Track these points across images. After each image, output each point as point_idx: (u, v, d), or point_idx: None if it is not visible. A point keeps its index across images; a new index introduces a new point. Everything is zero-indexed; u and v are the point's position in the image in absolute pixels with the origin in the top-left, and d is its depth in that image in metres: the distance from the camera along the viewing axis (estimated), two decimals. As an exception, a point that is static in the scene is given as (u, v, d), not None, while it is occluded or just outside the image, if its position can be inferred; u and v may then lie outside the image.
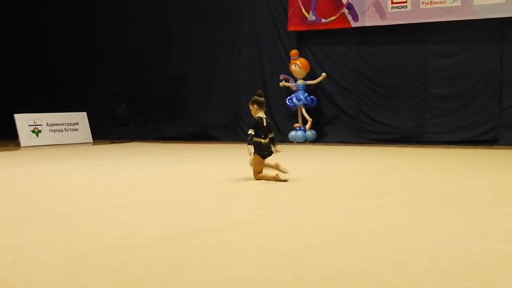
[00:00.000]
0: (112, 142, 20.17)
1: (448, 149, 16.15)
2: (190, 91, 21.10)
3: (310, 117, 19.01)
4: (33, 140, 19.48)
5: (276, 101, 19.84)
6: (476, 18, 16.95)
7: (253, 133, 10.11)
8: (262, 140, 10.20)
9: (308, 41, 19.44)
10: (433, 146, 16.88)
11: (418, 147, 16.94)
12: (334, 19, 18.72)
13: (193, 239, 5.95)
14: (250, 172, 11.36)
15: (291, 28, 19.42)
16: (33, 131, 19.60)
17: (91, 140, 20.73)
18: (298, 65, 19.07)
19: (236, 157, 14.32)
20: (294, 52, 19.24)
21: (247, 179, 10.46)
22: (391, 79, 18.30)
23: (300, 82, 19.18)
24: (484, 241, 5.78)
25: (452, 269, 4.79)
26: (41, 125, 19.82)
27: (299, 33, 19.48)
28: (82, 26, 22.77)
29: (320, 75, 18.95)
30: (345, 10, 18.51)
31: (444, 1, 17.21)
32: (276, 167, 10.17)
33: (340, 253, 5.34)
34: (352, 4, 18.47)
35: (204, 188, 9.53)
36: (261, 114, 10.27)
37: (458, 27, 17.33)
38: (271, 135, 10.36)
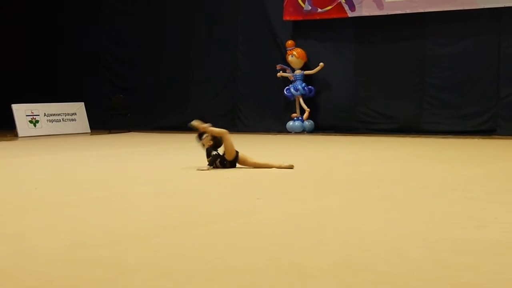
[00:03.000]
0: (110, 132, 20.15)
1: (446, 139, 16.15)
2: (188, 81, 21.08)
3: (308, 107, 18.99)
4: (31, 130, 19.46)
5: (273, 91, 19.81)
6: (474, 8, 16.91)
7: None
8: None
9: (305, 31, 19.39)
10: (431, 136, 16.88)
11: (416, 137, 16.94)
12: (330, 8, 18.63)
13: (192, 229, 5.97)
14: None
15: (286, 17, 19.35)
16: (30, 121, 19.59)
17: (89, 130, 20.72)
18: (295, 55, 19.05)
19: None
20: (290, 42, 19.20)
21: (244, 169, 10.46)
22: (389, 69, 18.27)
23: (297, 72, 19.16)
24: (482, 230, 5.77)
25: (450, 259, 4.78)
26: (38, 115, 19.80)
27: (296, 23, 19.43)
28: (79, 15, 22.69)
29: (318, 65, 18.91)
30: (342, 0, 18.43)
31: (442, -9, 17.20)
32: (279, 167, 10.26)
33: (338, 243, 5.34)
34: (349, -6, 18.43)
35: (202, 178, 9.51)
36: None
37: (456, 17, 17.30)
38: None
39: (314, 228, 5.98)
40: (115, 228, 6.04)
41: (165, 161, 10.98)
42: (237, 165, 10.48)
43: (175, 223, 6.22)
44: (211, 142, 10.43)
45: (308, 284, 4.25)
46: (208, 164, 10.28)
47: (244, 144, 15.41)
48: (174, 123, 20.38)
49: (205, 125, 10.52)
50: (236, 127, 19.80)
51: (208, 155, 10.35)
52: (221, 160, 10.36)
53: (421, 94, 17.95)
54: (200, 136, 10.44)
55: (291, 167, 10.22)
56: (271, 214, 6.68)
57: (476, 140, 15.93)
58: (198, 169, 10.14)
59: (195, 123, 10.51)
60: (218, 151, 10.42)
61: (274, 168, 10.21)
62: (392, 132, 17.79)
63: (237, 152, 10.44)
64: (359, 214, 6.59)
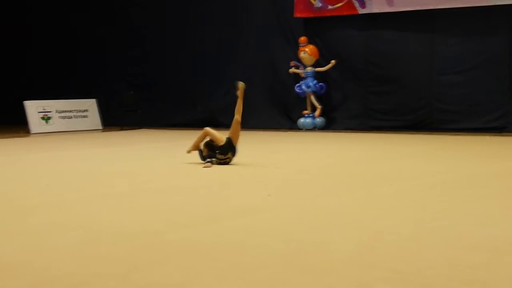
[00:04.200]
0: (121, 129, 20.13)
1: (457, 136, 16.09)
2: (199, 78, 21.03)
3: (319, 104, 18.97)
4: (43, 127, 19.50)
5: (285, 88, 19.78)
6: (485, 4, 16.82)
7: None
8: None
9: (316, 28, 19.35)
10: (441, 133, 16.80)
11: (426, 134, 16.87)
12: (341, 5, 18.60)
13: (202, 226, 5.97)
14: (258, 159, 11.36)
15: (297, 14, 19.31)
16: (42, 118, 19.62)
17: (101, 127, 20.70)
18: (307, 52, 19.01)
19: (244, 145, 14.24)
20: (302, 39, 19.16)
21: (255, 166, 10.48)
22: (399, 66, 18.21)
23: (309, 69, 19.12)
24: (494, 228, 5.75)
25: (463, 257, 4.77)
26: (50, 112, 19.82)
27: (307, 20, 19.40)
28: (92, 13, 22.72)
29: (329, 62, 18.88)
30: (352, -3, 18.43)
31: (452, -13, 17.12)
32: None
33: (348, 241, 5.33)
34: (359, -9, 18.39)
35: (213, 175, 9.53)
36: None
37: (466, 14, 17.22)
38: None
39: (325, 225, 5.96)
40: (128, 224, 6.04)
41: (176, 158, 10.97)
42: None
43: (186, 220, 6.21)
44: (207, 150, 10.57)
45: (319, 282, 4.24)
46: (205, 162, 10.36)
47: (255, 140, 15.56)
48: (185, 120, 20.39)
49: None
50: (248, 124, 19.45)
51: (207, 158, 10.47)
52: (217, 159, 10.45)
53: (432, 91, 17.87)
54: (203, 157, 10.54)
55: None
56: (282, 211, 6.67)
57: (487, 137, 15.84)
58: (204, 167, 10.20)
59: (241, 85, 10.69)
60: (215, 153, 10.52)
61: (280, 165, 10.18)
62: (403, 129, 17.72)
63: (227, 138, 10.53)
64: (370, 211, 6.57)
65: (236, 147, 10.58)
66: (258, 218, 6.30)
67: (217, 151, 10.43)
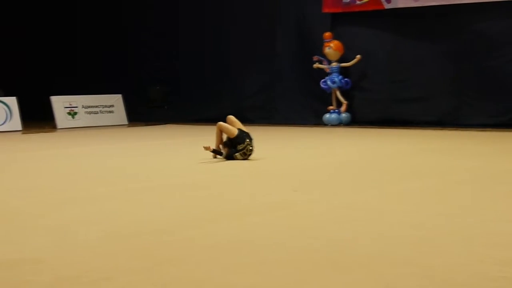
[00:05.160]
0: (147, 124, 20.21)
1: (485, 132, 15.94)
2: (225, 73, 21.04)
3: (345, 100, 18.91)
4: (69, 122, 19.63)
5: (310, 83, 19.73)
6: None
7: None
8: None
9: (342, 23, 19.28)
10: (469, 129, 16.67)
11: (454, 129, 16.75)
12: (368, 1, 18.54)
13: (227, 221, 5.97)
14: (284, 154, 11.31)
15: (326, 10, 19.25)
16: (69, 113, 19.75)
17: (126, 122, 20.81)
18: (332, 48, 18.94)
19: (271, 140, 14.37)
20: (327, 34, 19.09)
21: (280, 161, 10.47)
22: (426, 61, 18.10)
23: (334, 64, 19.06)
24: (522, 224, 5.70)
25: (489, 253, 4.73)
26: (77, 107, 19.95)
27: (333, 15, 19.33)
28: (119, 9, 22.81)
29: (354, 57, 18.82)
30: (379, -8, 18.35)
31: (479, -19, 17.00)
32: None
33: (375, 236, 5.31)
34: (385, -14, 18.30)
35: (238, 170, 9.52)
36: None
37: (492, 8, 17.07)
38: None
39: (352, 220, 5.93)
40: (151, 219, 6.06)
41: (202, 153, 10.95)
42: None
43: (211, 215, 6.22)
44: (227, 148, 10.66)
45: (345, 278, 4.23)
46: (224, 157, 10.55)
47: (280, 136, 15.54)
48: (211, 115, 20.06)
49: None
50: (273, 119, 19.88)
51: (230, 157, 10.53)
52: (240, 154, 10.52)
53: (458, 86, 17.73)
54: (216, 152, 10.64)
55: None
56: (308, 207, 6.65)
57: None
58: (205, 149, 10.48)
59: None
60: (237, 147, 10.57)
61: (310, 160, 10.15)
62: (429, 125, 17.60)
63: (238, 129, 10.65)
64: (397, 207, 6.54)
65: (250, 133, 10.69)
66: (283, 213, 6.28)
67: (235, 144, 10.52)
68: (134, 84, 22.12)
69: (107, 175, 9.23)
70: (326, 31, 19.13)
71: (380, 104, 18.82)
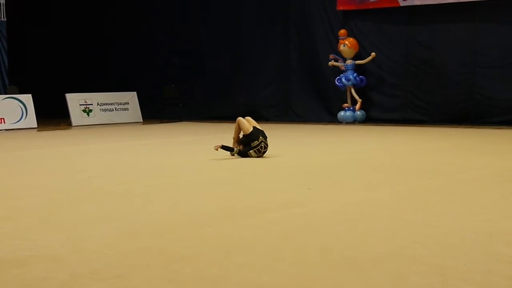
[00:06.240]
0: (161, 122, 20.27)
1: (500, 130, 15.92)
2: (239, 71, 21.08)
3: (360, 98, 18.89)
4: (84, 119, 19.72)
5: (325, 81, 19.75)
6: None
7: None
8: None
9: (356, 21, 19.27)
10: (483, 127, 16.64)
11: (468, 127, 16.71)
12: (383, -2, 18.56)
13: (242, 219, 6.00)
14: (298, 152, 11.25)
15: (340, 7, 19.24)
16: (84, 111, 19.84)
17: (141, 120, 20.90)
18: (347, 45, 18.93)
19: (285, 137, 14.44)
20: (342, 31, 19.07)
21: (295, 159, 10.47)
22: (441, 58, 18.03)
23: (349, 62, 19.05)
24: (536, 223, 5.69)
25: (502, 251, 4.76)
26: (92, 104, 20.04)
27: (347, 13, 19.31)
28: (133, 7, 22.89)
29: (369, 55, 18.79)
30: (394, -11, 18.32)
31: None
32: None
33: (388, 234, 5.32)
34: (401, -17, 18.28)
35: (253, 168, 9.54)
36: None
37: (509, 6, 17.02)
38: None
39: (365, 218, 5.94)
40: (166, 217, 6.11)
41: (214, 151, 10.96)
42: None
43: (226, 213, 6.27)
44: (242, 145, 10.74)
45: (358, 275, 4.25)
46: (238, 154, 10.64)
47: (294, 133, 15.53)
48: (225, 113, 20.38)
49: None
50: (288, 117, 19.98)
51: (244, 154, 10.61)
52: (254, 151, 10.57)
53: (474, 84, 17.65)
54: (227, 149, 10.65)
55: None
56: (322, 205, 6.66)
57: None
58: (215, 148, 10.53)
59: None
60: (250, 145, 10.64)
61: (324, 157, 10.15)
62: (445, 123, 17.57)
63: (253, 127, 10.73)
64: (410, 205, 6.55)
65: (264, 132, 10.78)
66: (297, 211, 6.28)
67: (250, 141, 10.60)
68: (148, 82, 22.18)
69: (122, 173, 9.25)
70: (341, 28, 19.10)
71: (395, 102, 18.79)
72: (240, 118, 10.83)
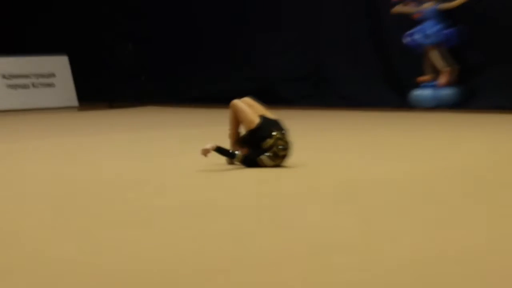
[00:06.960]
0: (111, 106, 20.43)
1: None
2: (243, 25, 21.08)
3: (448, 65, 17.94)
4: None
5: (384, 39, 19.63)
6: None
7: None
8: None
9: None
10: None
11: None
12: None
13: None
14: (338, 159, 11.59)
15: None
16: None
17: (76, 103, 20.93)
18: (424, -23, 18.28)
19: (318, 134, 14.66)
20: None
21: (334, 171, 10.46)
22: None
23: (428, 5, 18.26)
24: None
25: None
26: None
27: None
28: None
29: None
30: None
31: None
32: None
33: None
34: None
35: (274, 188, 9.37)
36: None
37: None
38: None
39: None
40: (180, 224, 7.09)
41: (203, 156, 10.58)
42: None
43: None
44: (246, 148, 10.62)
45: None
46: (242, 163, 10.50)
47: (334, 126, 16.49)
48: (215, 92, 20.44)
49: None
50: (324, 98, 19.86)
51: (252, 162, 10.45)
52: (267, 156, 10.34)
53: None
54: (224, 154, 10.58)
55: None
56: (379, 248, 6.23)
57: None
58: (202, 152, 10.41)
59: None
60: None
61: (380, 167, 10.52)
62: None
63: (260, 116, 10.52)
64: None
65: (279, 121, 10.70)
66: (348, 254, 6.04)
67: (258, 140, 10.31)
68: (90, 40, 22.16)
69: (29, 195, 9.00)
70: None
71: (505, 76, 17.97)
72: (236, 102, 10.64)
